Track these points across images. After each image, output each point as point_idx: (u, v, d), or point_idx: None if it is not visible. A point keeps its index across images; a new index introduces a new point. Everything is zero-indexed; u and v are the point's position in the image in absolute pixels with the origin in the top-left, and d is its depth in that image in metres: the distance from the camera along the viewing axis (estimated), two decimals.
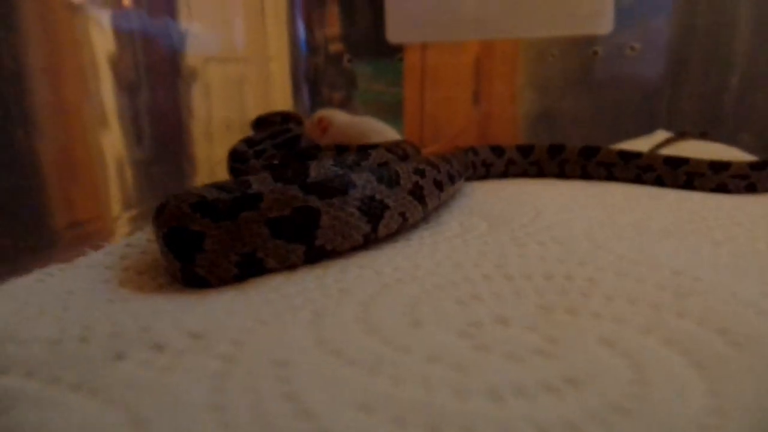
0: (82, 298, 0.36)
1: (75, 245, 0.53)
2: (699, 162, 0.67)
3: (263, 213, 0.39)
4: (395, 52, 1.17)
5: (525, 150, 0.79)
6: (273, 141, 0.77)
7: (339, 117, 0.94)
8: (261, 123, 0.86)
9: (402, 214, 0.47)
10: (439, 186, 0.53)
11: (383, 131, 0.90)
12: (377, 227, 0.44)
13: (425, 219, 0.53)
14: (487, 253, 0.42)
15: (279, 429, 0.23)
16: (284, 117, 0.86)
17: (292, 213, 0.40)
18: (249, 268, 0.39)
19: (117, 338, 0.29)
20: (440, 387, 0.25)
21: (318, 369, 0.27)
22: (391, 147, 0.64)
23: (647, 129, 1.01)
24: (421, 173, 0.50)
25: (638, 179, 0.72)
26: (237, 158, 0.69)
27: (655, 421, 0.23)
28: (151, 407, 0.23)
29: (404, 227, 0.48)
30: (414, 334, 0.30)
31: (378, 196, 0.44)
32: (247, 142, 0.73)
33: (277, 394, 0.25)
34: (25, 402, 0.24)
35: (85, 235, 0.62)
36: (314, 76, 1.28)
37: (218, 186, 0.49)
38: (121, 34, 0.77)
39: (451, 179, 0.57)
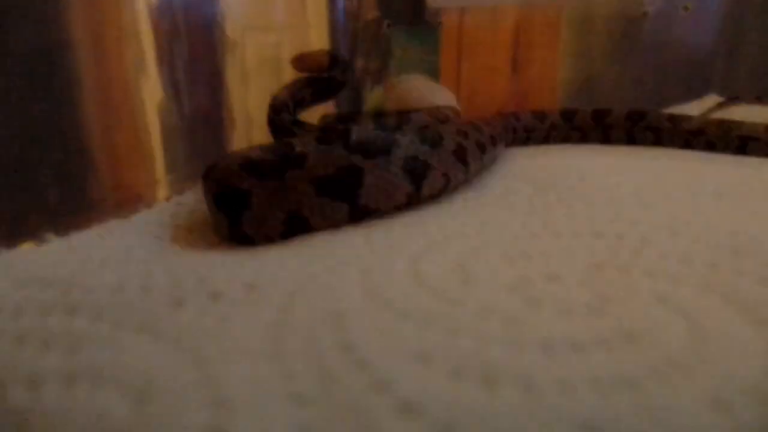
0: (139, 251, 0.37)
1: (124, 205, 0.55)
2: (754, 125, 0.64)
3: (308, 172, 0.39)
4: (433, 18, 1.15)
5: (568, 114, 0.77)
6: (311, 88, 0.71)
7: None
8: (303, 62, 0.73)
9: (445, 175, 0.46)
10: (481, 148, 0.52)
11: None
12: (421, 187, 0.44)
13: (468, 182, 0.52)
14: (533, 214, 0.42)
15: (337, 379, 0.23)
16: (332, 59, 0.72)
17: (336, 171, 0.40)
18: (295, 227, 0.40)
19: (175, 288, 0.29)
20: (494, 340, 0.25)
21: (372, 320, 0.27)
22: (432, 111, 0.63)
23: (697, 95, 0.97)
24: (464, 134, 0.49)
25: (687, 144, 0.69)
26: (277, 109, 0.67)
27: (715, 379, 0.23)
28: (211, 350, 0.24)
29: (447, 188, 0.48)
30: (464, 289, 0.30)
31: (421, 157, 0.44)
32: (289, 88, 0.69)
33: (333, 344, 0.25)
34: (94, 343, 0.25)
35: (133, 197, 0.64)
36: (354, 44, 1.26)
37: (264, 148, 0.49)
38: (164, 3, 0.77)
39: (494, 142, 0.56)
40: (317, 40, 1.25)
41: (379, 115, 0.73)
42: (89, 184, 0.61)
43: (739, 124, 0.66)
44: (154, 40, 0.76)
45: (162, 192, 0.70)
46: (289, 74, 1.14)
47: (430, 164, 0.45)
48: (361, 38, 1.28)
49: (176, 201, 0.52)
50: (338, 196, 0.40)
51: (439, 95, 0.84)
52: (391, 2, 1.24)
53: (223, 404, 0.21)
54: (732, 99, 0.92)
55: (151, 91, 0.75)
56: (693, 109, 0.89)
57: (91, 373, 0.24)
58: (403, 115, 0.61)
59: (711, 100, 0.94)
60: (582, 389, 0.22)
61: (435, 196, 0.47)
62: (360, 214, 0.41)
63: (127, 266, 0.33)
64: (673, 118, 0.71)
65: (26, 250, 0.37)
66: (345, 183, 0.40)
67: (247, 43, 1.00)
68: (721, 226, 0.37)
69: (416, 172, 0.44)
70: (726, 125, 0.66)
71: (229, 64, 0.94)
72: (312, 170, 0.39)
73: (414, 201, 0.45)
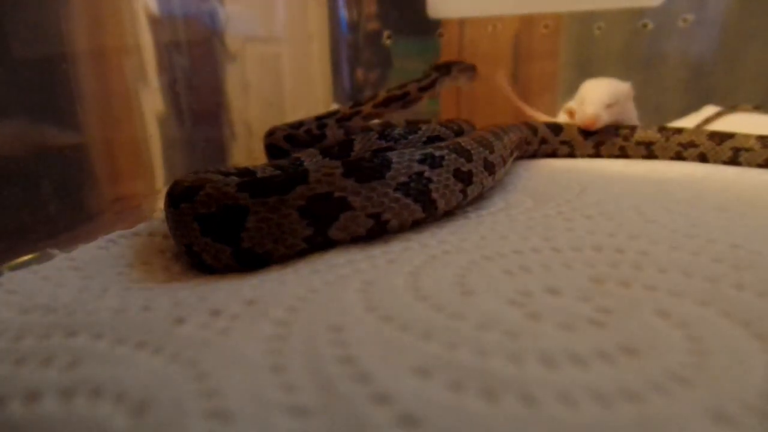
0: (141, 271, 0.37)
1: (125, 216, 0.55)
2: (746, 136, 0.65)
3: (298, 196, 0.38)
4: (433, 29, 1.16)
5: (555, 128, 0.76)
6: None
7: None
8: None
9: (444, 197, 0.44)
10: (489, 168, 0.50)
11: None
12: (428, 208, 0.43)
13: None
14: (533, 227, 0.42)
15: (338, 391, 0.23)
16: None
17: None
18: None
19: (177, 306, 0.29)
20: (494, 352, 0.25)
21: (372, 334, 0.27)
22: (444, 122, 0.63)
23: (697, 106, 0.97)
24: (467, 155, 0.46)
25: (679, 156, 0.69)
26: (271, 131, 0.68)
27: (716, 392, 0.23)
28: (212, 363, 0.24)
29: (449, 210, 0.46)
30: (464, 302, 0.30)
31: (416, 182, 0.42)
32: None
33: (334, 357, 0.25)
34: (93, 358, 0.25)
35: (134, 207, 0.64)
36: (354, 55, 1.27)
37: (275, 165, 0.50)
38: (165, 15, 0.78)
39: (504, 160, 0.54)
40: (318, 51, 1.26)
41: (388, 125, 0.73)
42: (90, 194, 0.61)
43: (731, 136, 0.66)
44: (155, 52, 0.76)
45: (162, 203, 0.70)
46: (289, 83, 1.15)
47: (429, 188, 0.43)
48: (362, 49, 1.28)
49: None
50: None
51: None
52: (392, 14, 1.25)
53: (223, 416, 0.21)
54: (730, 108, 0.92)
55: (152, 102, 0.75)
56: (691, 121, 0.90)
57: (90, 387, 0.23)
58: (413, 126, 0.61)
59: (709, 110, 0.94)
60: (583, 402, 0.22)
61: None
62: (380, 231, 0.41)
63: (128, 290, 0.33)
64: (665, 131, 0.70)
65: (30, 269, 0.37)
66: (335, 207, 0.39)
67: (248, 55, 1.01)
68: (721, 239, 0.37)
69: (413, 194, 0.42)
70: (718, 137, 0.66)
71: (229, 75, 0.94)
72: (314, 188, 0.38)
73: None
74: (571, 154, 0.75)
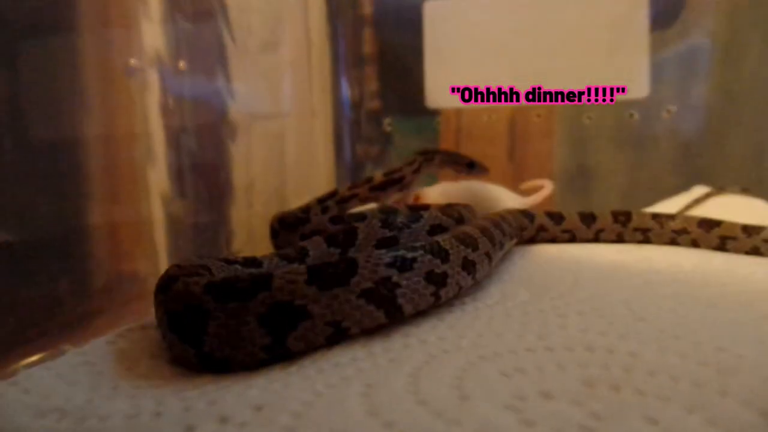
0: (149, 366, 0.39)
1: (132, 308, 0.56)
2: (732, 225, 0.68)
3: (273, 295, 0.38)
4: (433, 113, 1.21)
5: (556, 217, 0.78)
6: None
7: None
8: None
9: (412, 302, 0.43)
10: (470, 267, 0.49)
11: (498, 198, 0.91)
12: (392, 314, 0.42)
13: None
14: (528, 323, 0.44)
15: None
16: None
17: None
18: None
19: (187, 412, 0.31)
20: None
21: None
22: (444, 208, 0.66)
23: (687, 185, 1.01)
24: (444, 255, 0.46)
25: (673, 241, 0.72)
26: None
27: None
28: None
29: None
30: (462, 407, 0.32)
31: (382, 287, 0.41)
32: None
33: None
34: None
35: (142, 292, 0.65)
36: (357, 131, 1.32)
37: (283, 255, 0.52)
38: (175, 101, 0.82)
39: (489, 258, 0.54)
40: (321, 127, 1.31)
41: (389, 211, 0.76)
42: (99, 281, 0.63)
43: (718, 224, 0.70)
44: (165, 136, 0.80)
45: None
46: (293, 159, 1.19)
47: (396, 294, 0.42)
48: (363, 126, 1.34)
49: None
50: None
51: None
52: (392, 93, 1.31)
53: None
54: (718, 190, 0.96)
55: (159, 184, 0.78)
56: (681, 201, 0.93)
57: None
58: (414, 212, 0.63)
59: (699, 191, 0.98)
60: None
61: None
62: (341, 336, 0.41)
63: (139, 391, 0.35)
64: (659, 218, 0.74)
65: (44, 365, 0.38)
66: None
67: (253, 132, 1.05)
68: (707, 341, 0.39)
69: (381, 300, 0.41)
70: (706, 225, 0.70)
71: (235, 154, 0.98)
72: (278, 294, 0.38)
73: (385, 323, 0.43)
74: (572, 240, 0.77)
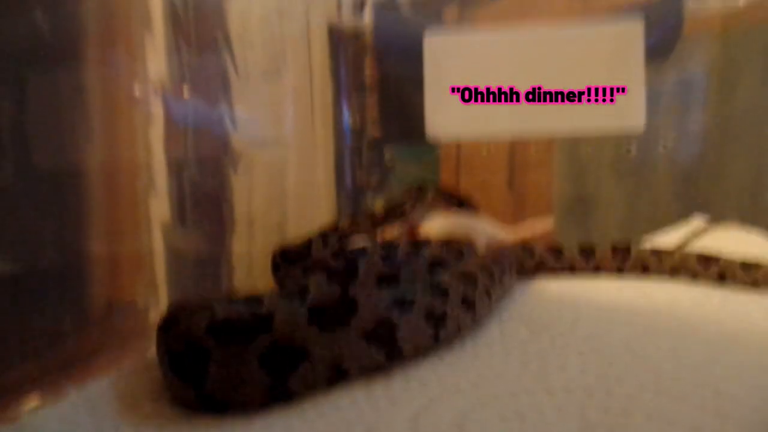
0: (151, 407, 0.39)
1: (132, 344, 0.56)
2: (730, 262, 0.69)
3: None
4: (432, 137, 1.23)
5: (556, 252, 0.78)
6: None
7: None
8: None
9: (412, 343, 0.44)
10: (469, 305, 0.50)
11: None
12: (392, 354, 0.43)
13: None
14: (528, 364, 0.44)
15: None
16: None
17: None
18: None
19: None
20: None
21: None
22: (444, 244, 0.66)
23: (686, 214, 1.02)
24: (443, 295, 0.46)
25: (673, 275, 0.73)
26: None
27: None
28: None
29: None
30: None
31: (382, 328, 0.42)
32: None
33: None
34: None
35: (144, 326, 0.65)
36: (358, 159, 1.33)
37: (284, 294, 0.52)
38: (178, 131, 0.83)
39: (488, 296, 0.54)
40: (323, 155, 1.32)
41: (390, 246, 0.76)
42: (97, 313, 0.63)
43: (716, 260, 0.70)
44: (167, 166, 0.80)
45: None
46: (294, 186, 1.20)
47: (396, 335, 0.43)
48: (364, 153, 1.35)
49: None
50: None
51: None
52: (393, 122, 1.32)
53: None
54: (715, 222, 0.97)
55: (160, 212, 0.78)
56: (679, 233, 0.94)
57: None
58: (415, 247, 0.64)
59: (697, 222, 0.99)
60: None
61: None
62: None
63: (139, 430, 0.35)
64: (658, 254, 0.74)
65: (47, 410, 0.39)
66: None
67: (255, 159, 1.06)
68: (705, 383, 0.39)
69: (382, 339, 0.42)
70: (704, 261, 0.71)
71: (235, 183, 0.98)
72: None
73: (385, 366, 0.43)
74: (572, 269, 0.78)
